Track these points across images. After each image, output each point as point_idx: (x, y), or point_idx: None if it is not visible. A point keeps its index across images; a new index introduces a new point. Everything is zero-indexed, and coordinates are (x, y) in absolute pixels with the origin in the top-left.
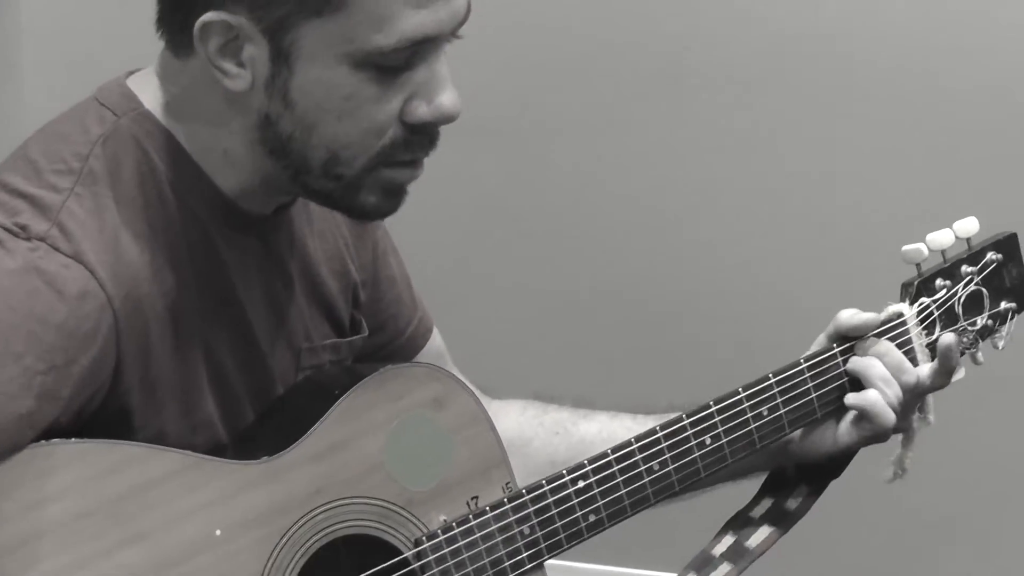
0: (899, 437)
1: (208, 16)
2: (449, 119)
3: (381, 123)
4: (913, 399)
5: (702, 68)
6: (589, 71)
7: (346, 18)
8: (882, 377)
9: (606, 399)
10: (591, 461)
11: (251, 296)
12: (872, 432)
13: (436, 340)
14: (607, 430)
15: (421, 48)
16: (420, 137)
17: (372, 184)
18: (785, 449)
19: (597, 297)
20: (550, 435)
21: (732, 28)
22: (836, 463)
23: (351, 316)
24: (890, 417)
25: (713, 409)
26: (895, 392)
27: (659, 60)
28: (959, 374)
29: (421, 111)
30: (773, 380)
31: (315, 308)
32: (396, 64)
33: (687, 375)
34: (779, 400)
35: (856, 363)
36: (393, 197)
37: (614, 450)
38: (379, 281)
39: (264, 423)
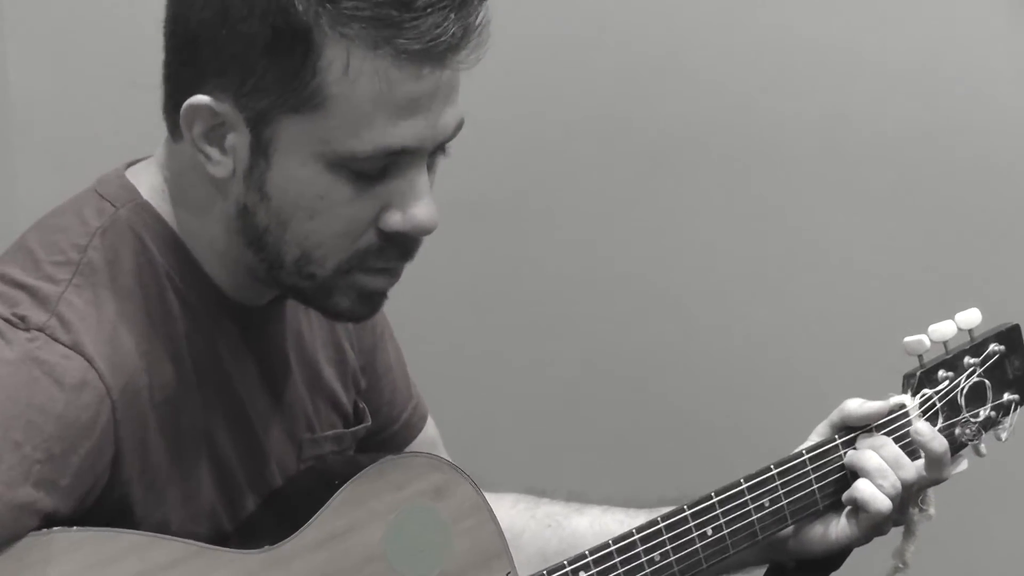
0: (900, 530)
1: (196, 99)
2: (423, 232)
3: (354, 227)
4: (911, 493)
5: (704, 150)
6: (590, 148)
7: (324, 119)
8: (877, 468)
9: (600, 491)
10: (592, 552)
11: (249, 387)
12: (870, 524)
13: (430, 429)
14: (599, 523)
15: (399, 159)
16: (394, 247)
17: (345, 287)
18: (784, 544)
19: (593, 388)
20: (541, 528)
21: (731, 111)
22: (836, 558)
23: (354, 404)
24: (885, 507)
25: (715, 500)
26: (891, 483)
27: (663, 138)
28: (962, 466)
29: (395, 221)
30: (775, 471)
31: (318, 397)
32: (372, 171)
33: (686, 463)
34: (781, 492)
35: (852, 456)
36: (367, 302)
37: (615, 540)
38: (376, 367)
39: (266, 512)
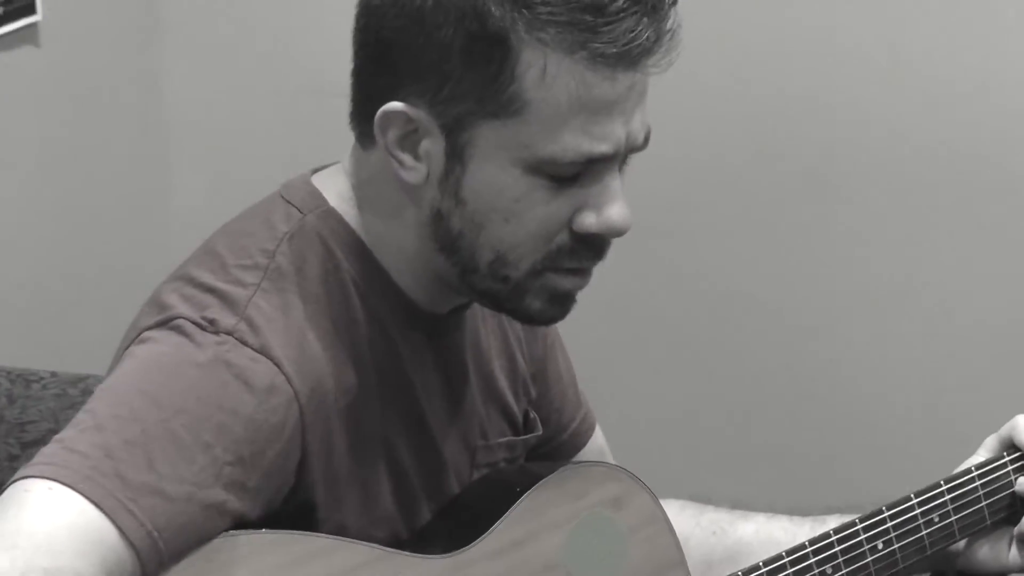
0: None
1: (390, 106)
2: (618, 233)
3: (549, 229)
4: None
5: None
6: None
7: (523, 124)
8: None
9: (763, 499)
10: (766, 563)
11: (429, 394)
12: None
13: (599, 438)
14: (764, 531)
15: (595, 164)
16: (587, 247)
17: (538, 289)
18: (952, 558)
19: (757, 395)
20: (707, 535)
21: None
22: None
23: (525, 413)
24: None
25: (886, 515)
26: None
27: (814, 154)
28: None
29: (589, 222)
30: (944, 487)
31: (491, 405)
32: (568, 175)
33: (850, 472)
34: (950, 507)
35: None
36: (559, 304)
37: (788, 552)
38: (547, 375)
39: (443, 520)
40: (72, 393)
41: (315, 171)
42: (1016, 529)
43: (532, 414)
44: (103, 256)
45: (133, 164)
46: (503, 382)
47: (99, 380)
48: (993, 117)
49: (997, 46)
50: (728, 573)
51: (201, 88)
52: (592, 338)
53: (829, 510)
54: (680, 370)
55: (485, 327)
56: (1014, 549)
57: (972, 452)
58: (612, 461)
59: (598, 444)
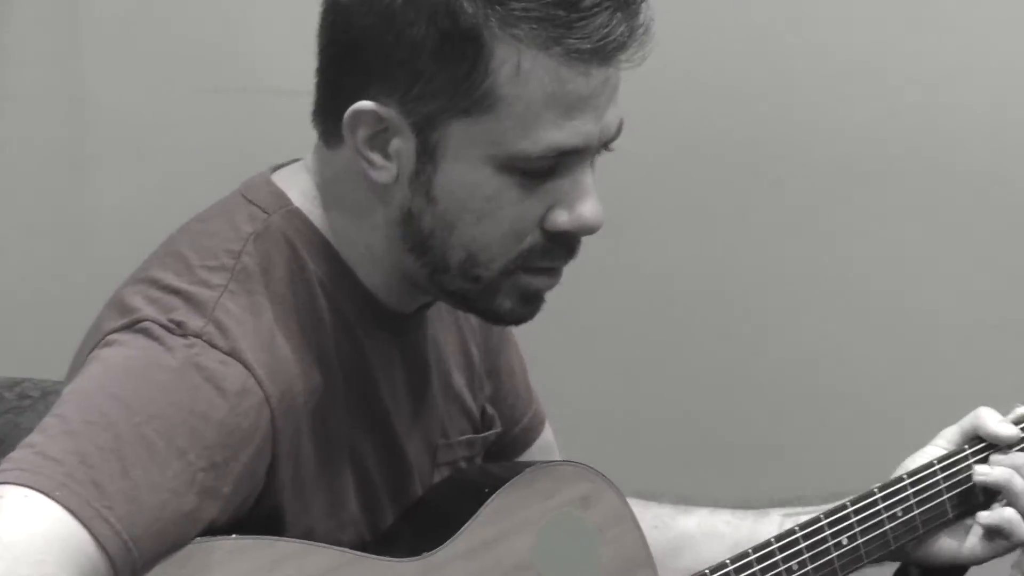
0: None
1: (360, 105)
2: (590, 230)
3: (521, 227)
4: None
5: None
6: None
7: (494, 121)
8: (1021, 492)
9: (708, 494)
10: (732, 560)
11: (393, 394)
12: (1007, 548)
13: (548, 433)
14: (706, 524)
15: (567, 158)
16: (559, 245)
17: (509, 288)
18: (911, 551)
19: (699, 391)
20: (649, 529)
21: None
22: (961, 569)
23: (482, 409)
24: None
25: (850, 510)
26: None
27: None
28: None
29: (562, 220)
30: (907, 481)
31: (450, 403)
32: (540, 171)
33: (794, 465)
34: (913, 501)
35: (991, 475)
36: (530, 303)
37: (755, 549)
38: (500, 370)
39: (408, 522)
40: (8, 397)
41: (275, 169)
42: (983, 517)
43: (489, 410)
44: (21, 258)
45: (52, 165)
46: (460, 379)
47: (35, 384)
48: (964, 116)
49: (970, 47)
50: (670, 565)
51: (123, 88)
52: (540, 332)
53: (772, 503)
54: (627, 366)
55: (442, 323)
56: (976, 538)
57: (920, 444)
58: (559, 457)
59: (547, 439)
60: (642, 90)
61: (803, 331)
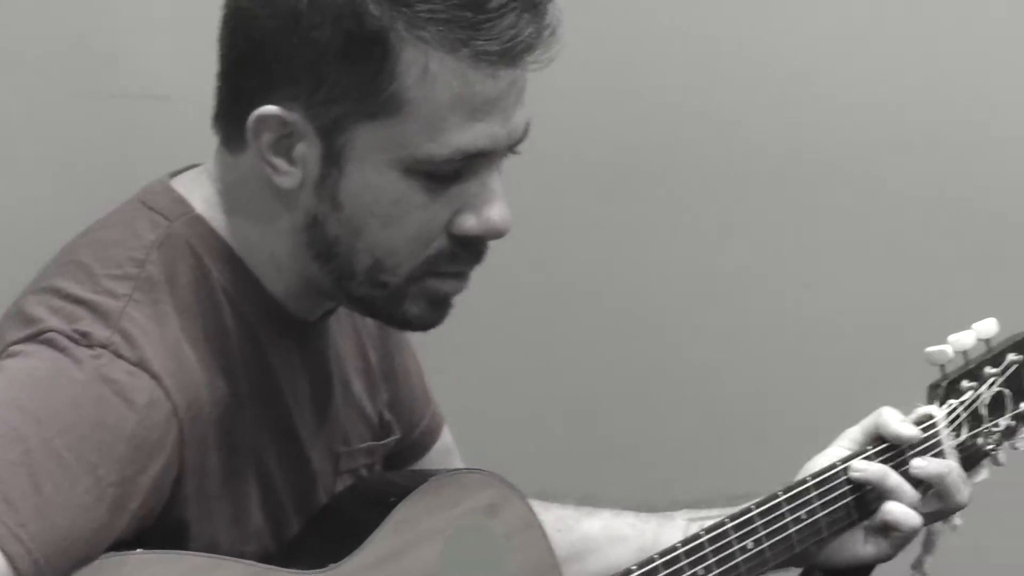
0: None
1: (264, 109)
2: (497, 234)
3: (428, 232)
4: None
5: (734, 155)
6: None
7: (400, 124)
8: (898, 485)
9: (611, 495)
10: (639, 566)
11: (298, 402)
12: (902, 542)
13: (446, 436)
14: (610, 526)
15: (473, 161)
16: (467, 250)
17: (417, 294)
18: (814, 555)
19: (602, 390)
20: (552, 532)
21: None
22: (864, 569)
23: (380, 415)
24: (917, 522)
25: (755, 512)
26: (917, 499)
27: (687, 142)
28: (982, 476)
29: (469, 224)
30: (811, 483)
31: (350, 410)
32: (447, 174)
33: (696, 467)
34: (817, 504)
35: (867, 473)
36: (437, 309)
37: (661, 554)
38: (396, 374)
39: (313, 532)
40: None
41: (173, 175)
42: (876, 517)
43: (387, 416)
44: None
45: None
46: (360, 385)
47: None
48: (836, 114)
49: (851, 46)
50: (573, 569)
51: None
52: (436, 334)
53: (676, 505)
54: (525, 366)
55: (340, 328)
56: (874, 537)
57: (824, 444)
58: (459, 459)
59: (446, 443)
60: (549, 91)
61: (705, 330)
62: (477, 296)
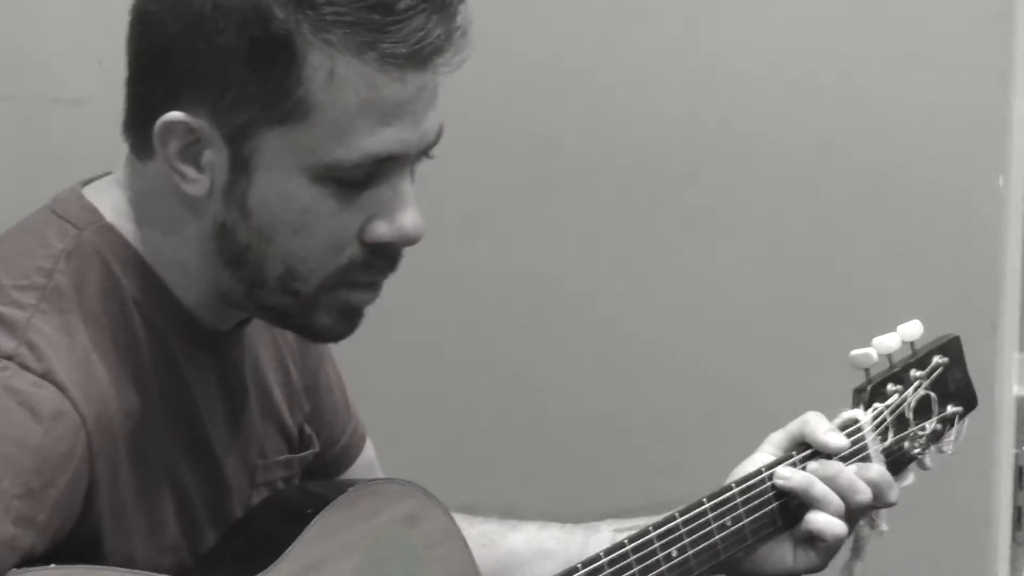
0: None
1: (170, 116)
2: (410, 241)
3: (339, 240)
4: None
5: (647, 164)
6: (568, 155)
7: (308, 129)
8: (823, 496)
9: (534, 506)
10: None
11: (211, 413)
12: (829, 552)
13: (369, 450)
14: (535, 540)
15: (384, 166)
16: (380, 258)
17: (328, 304)
18: (739, 566)
19: (525, 399)
20: (477, 547)
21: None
22: None
23: (300, 428)
24: (842, 531)
25: (679, 520)
26: (839, 508)
27: (642, 143)
28: (908, 480)
29: (381, 231)
30: (736, 489)
31: (268, 422)
32: (357, 180)
33: (621, 476)
34: (742, 510)
35: (792, 481)
36: (348, 320)
37: (584, 564)
38: (319, 387)
39: (229, 545)
40: None
41: (85, 183)
42: (800, 526)
43: (307, 429)
44: None
45: None
46: (279, 397)
47: None
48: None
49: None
50: None
51: None
52: (357, 346)
53: (601, 516)
54: (445, 377)
55: (260, 339)
56: (801, 548)
57: (746, 452)
58: (381, 473)
59: (368, 457)
60: (462, 94)
61: (626, 337)
62: (396, 304)
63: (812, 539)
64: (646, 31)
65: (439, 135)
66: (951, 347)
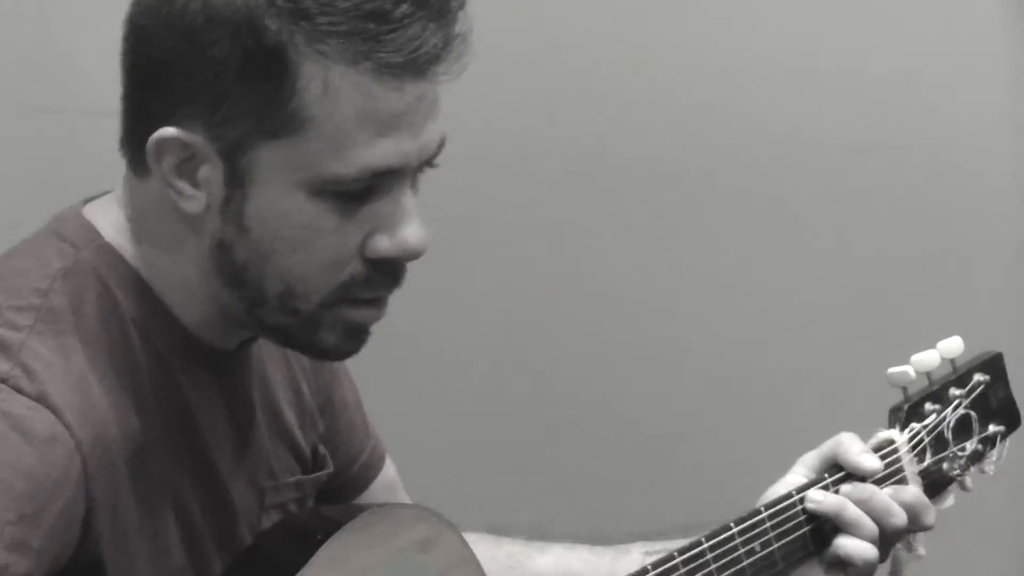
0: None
1: (163, 131)
2: (413, 256)
3: (339, 257)
4: (899, 537)
5: (673, 172)
6: (569, 162)
7: (304, 142)
8: (855, 520)
9: (562, 527)
10: None
11: (215, 436)
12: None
13: (390, 470)
14: (562, 563)
15: (384, 179)
16: (382, 274)
17: (332, 322)
18: None
19: (554, 420)
20: (504, 570)
21: (698, 127)
22: None
23: (314, 448)
24: (873, 557)
25: (705, 546)
26: (872, 533)
27: (646, 152)
28: (948, 502)
29: (383, 246)
30: (765, 514)
31: (278, 443)
32: (356, 194)
33: (651, 498)
34: (772, 535)
35: (824, 505)
36: (354, 337)
37: None
38: (334, 406)
39: (238, 571)
40: None
41: (87, 201)
42: (829, 551)
43: (321, 450)
44: None
45: None
46: (290, 417)
47: None
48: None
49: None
50: None
51: None
52: (373, 363)
53: (632, 537)
54: (472, 396)
55: (270, 359)
56: (834, 572)
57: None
58: (404, 493)
59: (389, 476)
60: (465, 103)
61: (664, 357)
62: (415, 318)
63: (842, 564)
64: (659, 32)
65: (441, 146)
66: (993, 364)
